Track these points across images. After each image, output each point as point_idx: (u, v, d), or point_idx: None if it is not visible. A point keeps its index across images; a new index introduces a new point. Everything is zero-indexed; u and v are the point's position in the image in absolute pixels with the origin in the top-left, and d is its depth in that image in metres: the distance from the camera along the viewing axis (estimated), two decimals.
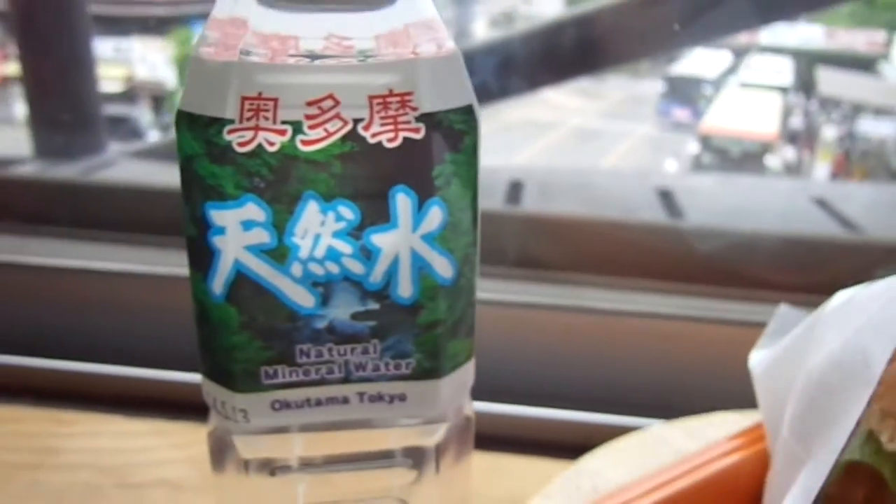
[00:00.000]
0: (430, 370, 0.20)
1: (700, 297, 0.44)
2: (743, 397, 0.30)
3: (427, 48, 0.18)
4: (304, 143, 0.18)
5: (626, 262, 0.46)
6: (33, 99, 0.70)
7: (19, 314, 0.44)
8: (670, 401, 0.38)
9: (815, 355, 0.23)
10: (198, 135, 0.18)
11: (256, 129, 0.17)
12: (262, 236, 0.18)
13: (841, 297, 0.25)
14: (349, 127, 0.18)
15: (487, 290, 0.42)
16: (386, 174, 0.18)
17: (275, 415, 0.20)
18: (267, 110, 0.17)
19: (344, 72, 0.18)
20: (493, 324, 0.39)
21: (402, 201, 0.18)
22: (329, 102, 0.17)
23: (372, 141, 0.18)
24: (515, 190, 0.64)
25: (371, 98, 0.18)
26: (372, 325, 0.19)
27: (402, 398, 0.20)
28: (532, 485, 0.32)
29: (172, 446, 0.35)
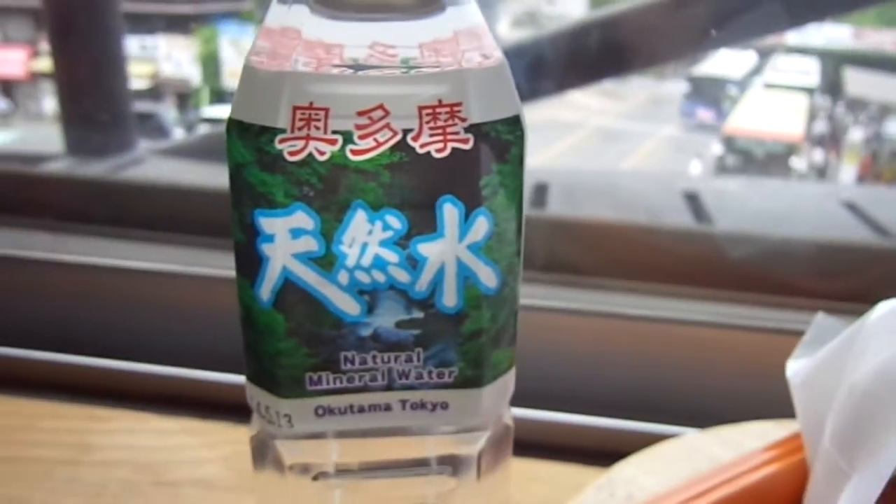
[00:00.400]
0: (473, 379, 0.20)
1: (732, 303, 0.44)
2: (776, 406, 0.30)
3: (474, 57, 0.18)
4: (354, 152, 0.18)
5: (655, 268, 0.46)
6: (65, 96, 0.71)
7: (55, 311, 0.45)
8: (702, 408, 0.38)
9: (860, 366, 0.23)
10: (249, 143, 0.18)
11: (307, 138, 0.17)
12: (311, 244, 0.18)
13: (884, 307, 0.24)
14: (399, 137, 0.18)
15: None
16: (434, 184, 0.18)
17: (318, 420, 0.20)
18: (318, 120, 0.17)
19: (394, 82, 0.18)
20: (522, 328, 0.39)
21: (450, 211, 0.18)
22: (379, 113, 0.18)
23: (421, 151, 0.18)
24: (540, 192, 0.64)
25: (421, 108, 0.18)
26: (416, 333, 0.19)
27: (445, 406, 0.20)
28: (563, 491, 0.32)
29: (206, 445, 0.36)
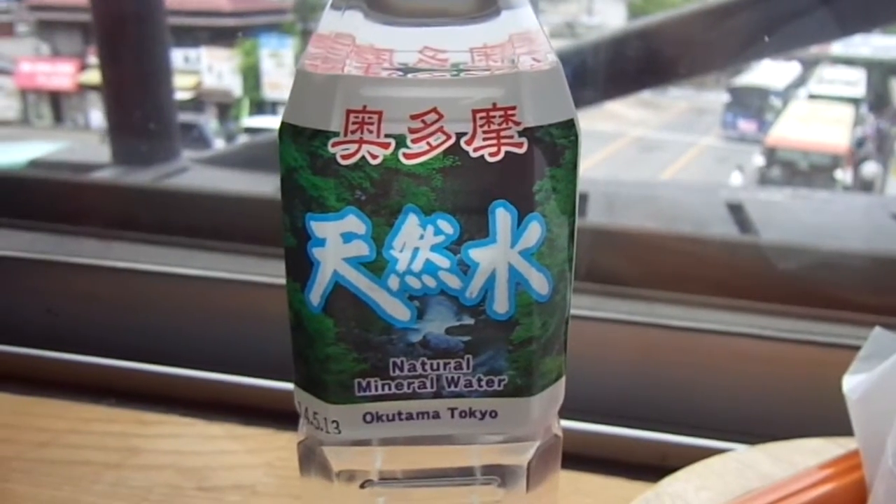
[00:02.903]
0: (523, 387, 0.20)
1: (781, 316, 0.42)
2: (828, 422, 0.29)
3: (528, 61, 0.18)
4: (407, 156, 0.18)
5: (701, 279, 0.45)
6: (112, 107, 0.73)
7: (103, 317, 0.45)
8: (750, 423, 0.37)
9: None
10: (301, 147, 0.18)
11: (360, 141, 0.17)
12: (362, 248, 0.18)
13: None
14: (452, 141, 0.18)
15: None
16: (487, 188, 0.18)
17: (366, 427, 0.20)
18: (371, 123, 0.17)
19: (448, 85, 0.18)
20: (569, 340, 0.39)
21: (502, 216, 0.18)
22: (433, 116, 0.17)
23: (474, 155, 0.18)
24: (580, 202, 0.63)
25: (475, 112, 0.17)
26: (466, 340, 0.19)
27: (494, 415, 0.20)
28: None
29: (250, 451, 0.36)
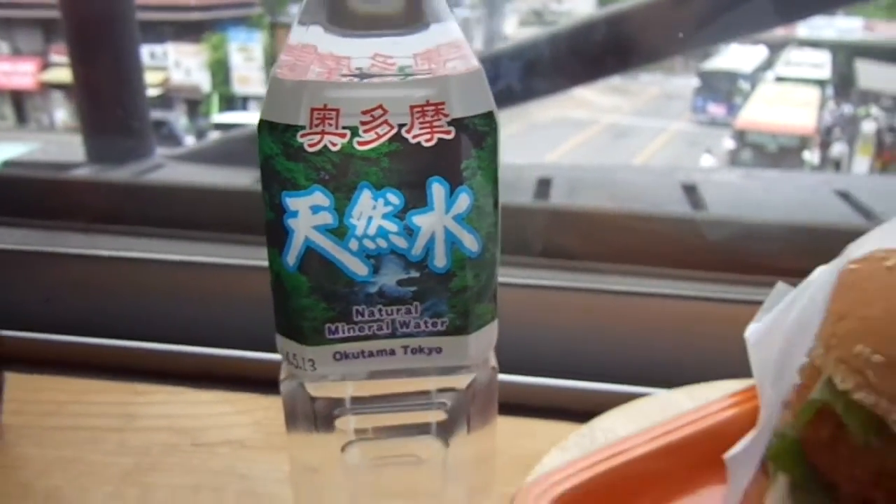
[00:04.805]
0: (461, 327, 0.25)
1: (711, 282, 0.47)
2: (744, 367, 0.34)
3: (456, 65, 0.23)
4: (360, 143, 0.22)
5: (645, 252, 0.49)
6: (86, 106, 0.74)
7: (93, 301, 0.49)
8: (679, 373, 0.41)
9: (790, 318, 0.27)
10: (276, 138, 0.22)
11: (323, 133, 0.22)
12: (327, 218, 0.23)
13: (818, 270, 0.28)
14: (395, 130, 0.22)
15: (516, 276, 0.46)
16: (424, 168, 0.23)
17: (336, 364, 0.24)
18: (331, 119, 0.22)
19: (391, 87, 0.22)
20: (520, 305, 0.43)
21: (437, 189, 0.23)
22: (379, 111, 0.22)
23: (413, 141, 0.22)
24: (544, 186, 0.67)
25: (412, 107, 0.22)
26: (414, 289, 0.24)
27: (438, 350, 0.25)
28: (549, 443, 0.36)
29: (238, 412, 0.39)
